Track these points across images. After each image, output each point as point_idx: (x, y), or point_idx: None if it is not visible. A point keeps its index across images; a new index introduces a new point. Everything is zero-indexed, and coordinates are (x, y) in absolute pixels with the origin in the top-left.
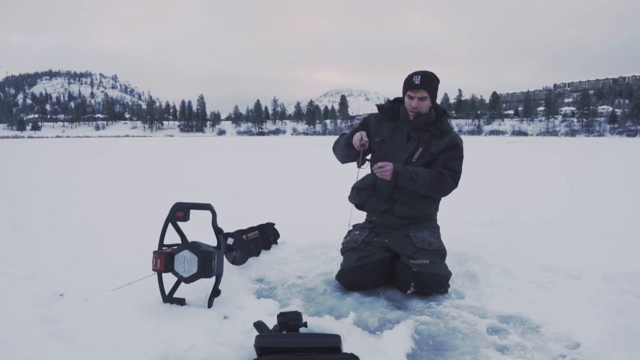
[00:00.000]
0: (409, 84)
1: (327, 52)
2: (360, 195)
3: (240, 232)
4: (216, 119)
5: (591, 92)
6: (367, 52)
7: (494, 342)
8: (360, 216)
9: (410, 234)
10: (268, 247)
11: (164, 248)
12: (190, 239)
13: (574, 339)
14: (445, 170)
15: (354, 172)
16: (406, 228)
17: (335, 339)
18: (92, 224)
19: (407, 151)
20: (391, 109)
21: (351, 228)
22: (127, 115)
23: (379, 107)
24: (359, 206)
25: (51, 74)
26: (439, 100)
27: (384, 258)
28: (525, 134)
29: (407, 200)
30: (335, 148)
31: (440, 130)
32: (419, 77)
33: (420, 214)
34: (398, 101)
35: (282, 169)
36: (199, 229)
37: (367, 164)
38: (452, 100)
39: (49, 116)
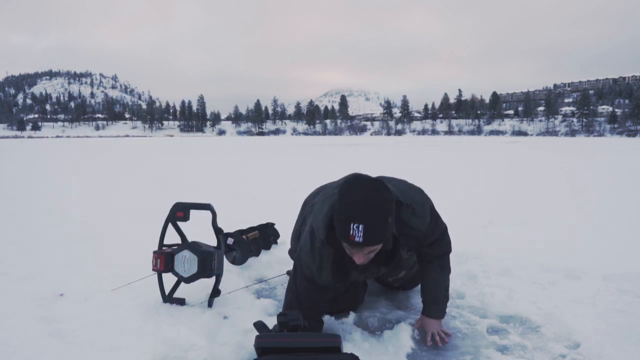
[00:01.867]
0: (345, 236)
1: (327, 52)
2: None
3: (240, 232)
4: (216, 119)
5: (591, 92)
6: (367, 52)
7: (494, 342)
8: None
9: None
10: (268, 247)
11: (164, 248)
12: (190, 239)
13: (574, 339)
14: (429, 249)
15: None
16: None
17: (335, 339)
18: (92, 224)
19: (365, 288)
20: (346, 266)
21: (295, 263)
22: (127, 115)
23: (334, 276)
24: None
25: (51, 74)
26: (437, 101)
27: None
28: (525, 134)
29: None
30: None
31: (415, 238)
32: (361, 229)
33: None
34: (335, 240)
35: (282, 169)
36: (199, 229)
37: None
38: (452, 100)
39: (49, 116)
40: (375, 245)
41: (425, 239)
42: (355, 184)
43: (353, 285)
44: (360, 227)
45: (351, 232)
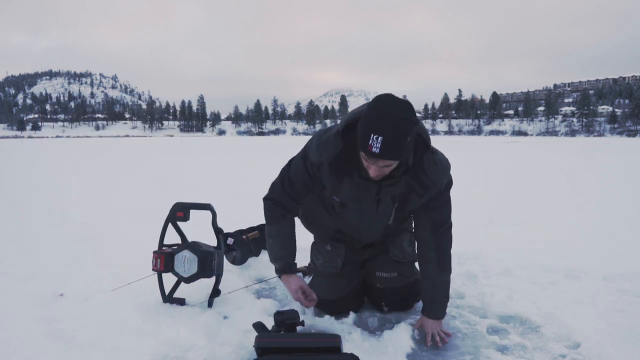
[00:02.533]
0: (363, 145)
1: (327, 52)
2: (319, 231)
3: (240, 232)
4: (216, 119)
5: (591, 92)
6: (367, 52)
7: (494, 342)
8: None
9: (386, 242)
10: None
11: (164, 248)
12: (190, 239)
13: (574, 339)
14: (431, 236)
15: None
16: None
17: (335, 339)
18: (92, 224)
19: (382, 219)
20: (346, 158)
21: (315, 240)
22: (127, 115)
23: (331, 164)
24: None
25: (51, 74)
26: (437, 101)
27: (360, 282)
28: (525, 134)
29: (386, 233)
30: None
31: (423, 185)
32: (379, 140)
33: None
34: (352, 131)
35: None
36: (199, 229)
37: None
38: (452, 100)
39: (49, 116)
40: (389, 159)
41: (432, 191)
42: (386, 99)
43: (350, 276)
44: (380, 138)
45: (370, 141)
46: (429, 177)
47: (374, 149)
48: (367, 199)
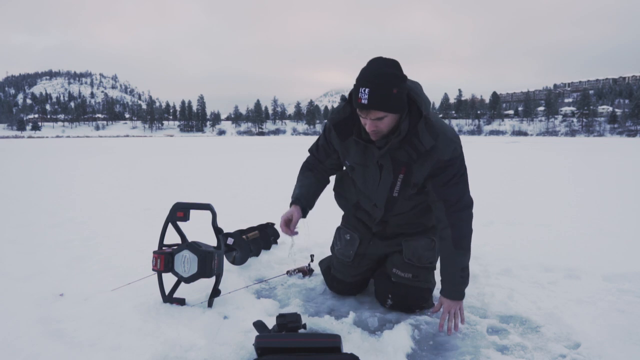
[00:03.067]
0: (355, 102)
1: (328, 51)
2: (344, 205)
3: (240, 232)
4: (216, 119)
5: (591, 92)
6: (368, 52)
7: (494, 342)
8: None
9: (402, 242)
10: (268, 247)
11: (164, 248)
12: (190, 239)
13: (574, 339)
14: (445, 214)
15: None
16: (401, 237)
17: (335, 339)
18: (92, 224)
19: (385, 185)
20: (350, 122)
21: (340, 226)
22: (127, 115)
23: (334, 124)
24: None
25: (51, 74)
26: (437, 101)
27: (374, 273)
28: (525, 134)
29: (400, 224)
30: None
31: (417, 150)
32: (366, 92)
33: (419, 230)
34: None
35: (283, 169)
36: (199, 229)
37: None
38: (452, 100)
39: (49, 116)
40: (377, 110)
41: (432, 158)
42: (375, 59)
43: (360, 260)
44: (367, 90)
45: (359, 94)
46: (421, 143)
47: (362, 101)
48: (371, 164)
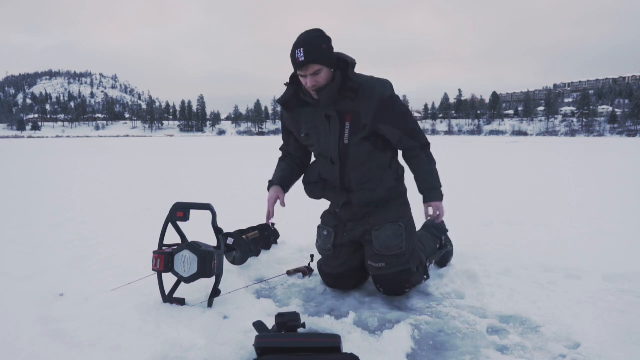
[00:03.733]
0: (294, 62)
1: None
2: (312, 190)
3: (240, 232)
4: (216, 119)
5: (591, 92)
6: (368, 52)
7: (494, 342)
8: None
9: (372, 233)
10: (268, 247)
11: (164, 248)
12: (190, 239)
13: (574, 339)
14: (411, 139)
15: None
16: (370, 219)
17: (335, 339)
18: (92, 224)
19: (334, 135)
20: (294, 97)
21: (319, 225)
22: (127, 115)
23: (280, 102)
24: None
25: (51, 74)
26: (437, 101)
27: (362, 262)
28: (525, 134)
29: (362, 185)
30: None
31: (352, 89)
32: (302, 50)
33: (383, 193)
34: (297, 79)
35: None
36: (199, 229)
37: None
38: (452, 100)
39: (49, 116)
40: (313, 62)
41: (371, 95)
42: (303, 32)
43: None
44: (301, 49)
45: (296, 55)
46: (355, 82)
47: (300, 59)
48: (319, 121)
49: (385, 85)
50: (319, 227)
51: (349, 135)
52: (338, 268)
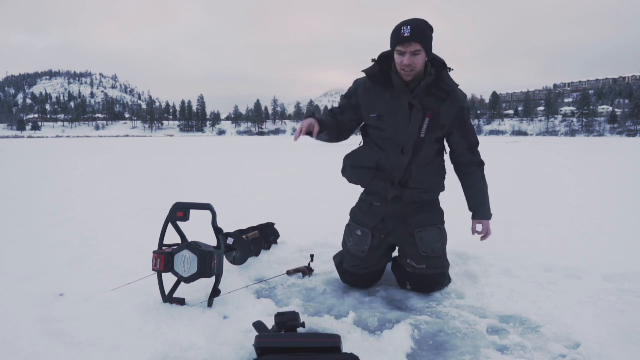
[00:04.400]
0: (397, 38)
1: (328, 51)
2: (361, 175)
3: (240, 232)
4: (216, 119)
5: (591, 92)
6: (368, 52)
7: (494, 342)
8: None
9: (415, 234)
10: (268, 247)
11: (164, 248)
12: (190, 239)
13: (574, 339)
14: (472, 154)
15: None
16: (411, 219)
17: (335, 339)
18: (92, 224)
19: (414, 126)
20: (381, 74)
21: (350, 222)
22: (127, 115)
23: (368, 73)
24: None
25: (51, 74)
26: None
27: (388, 261)
28: (525, 134)
29: (419, 184)
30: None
31: (445, 91)
32: (409, 27)
33: (430, 197)
34: (385, 60)
35: (282, 169)
36: (199, 229)
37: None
38: None
39: (49, 116)
40: (418, 42)
41: (456, 102)
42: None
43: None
44: (408, 27)
45: (402, 31)
46: (448, 84)
47: (405, 34)
48: (400, 108)
49: (466, 97)
50: (349, 226)
51: (426, 130)
52: (364, 270)
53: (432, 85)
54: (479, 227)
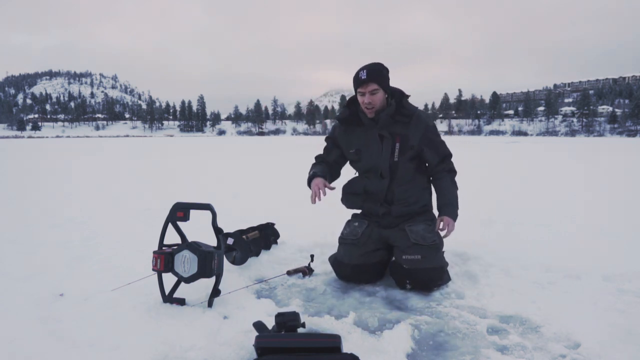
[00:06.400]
0: (357, 81)
1: (328, 51)
2: (354, 201)
3: (240, 232)
4: (216, 119)
5: (591, 92)
6: (368, 52)
7: (494, 342)
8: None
9: (405, 228)
10: (268, 247)
11: (164, 248)
12: (190, 239)
13: (574, 339)
14: (443, 163)
15: (350, 173)
16: (403, 223)
17: (335, 339)
18: (93, 224)
19: (386, 152)
20: (351, 115)
21: (350, 218)
22: (127, 115)
23: (339, 118)
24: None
25: (51, 74)
26: (437, 101)
27: (382, 259)
28: (525, 134)
29: (403, 199)
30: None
31: (406, 115)
32: (365, 71)
33: (418, 208)
34: (353, 104)
35: (282, 169)
36: (199, 229)
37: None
38: (452, 100)
39: (49, 116)
40: (374, 82)
41: (419, 123)
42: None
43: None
44: (365, 71)
45: (359, 75)
46: (407, 109)
47: (362, 77)
48: (372, 140)
49: (429, 116)
50: (349, 221)
51: (398, 153)
52: (358, 259)
53: (395, 113)
54: (442, 224)
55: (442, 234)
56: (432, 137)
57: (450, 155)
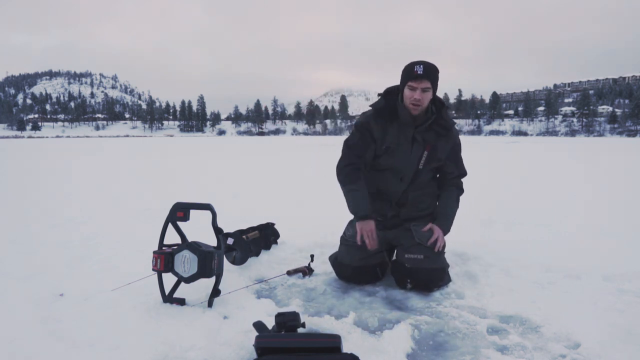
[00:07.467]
0: (410, 74)
1: (328, 51)
2: None
3: (240, 232)
4: (216, 119)
5: (591, 92)
6: (368, 52)
7: (494, 342)
8: None
9: (410, 227)
10: (268, 247)
11: (164, 248)
12: (190, 239)
13: (574, 339)
14: (456, 179)
15: None
16: (408, 222)
17: (335, 339)
18: (92, 224)
19: (414, 157)
20: (388, 108)
21: (353, 218)
22: (127, 115)
23: (376, 109)
24: None
25: (51, 74)
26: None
27: (384, 261)
28: (525, 134)
29: (415, 203)
30: (345, 193)
31: (443, 127)
32: (422, 66)
33: (426, 213)
34: (390, 95)
35: (282, 169)
36: (199, 229)
37: None
38: (452, 100)
39: (49, 116)
40: (429, 80)
41: (452, 139)
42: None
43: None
44: (421, 66)
45: (415, 69)
46: (446, 121)
47: (418, 72)
48: (405, 140)
49: (458, 133)
50: (351, 221)
51: (424, 162)
52: (359, 261)
53: (433, 122)
54: (432, 230)
55: (427, 241)
56: (458, 155)
57: (465, 174)
